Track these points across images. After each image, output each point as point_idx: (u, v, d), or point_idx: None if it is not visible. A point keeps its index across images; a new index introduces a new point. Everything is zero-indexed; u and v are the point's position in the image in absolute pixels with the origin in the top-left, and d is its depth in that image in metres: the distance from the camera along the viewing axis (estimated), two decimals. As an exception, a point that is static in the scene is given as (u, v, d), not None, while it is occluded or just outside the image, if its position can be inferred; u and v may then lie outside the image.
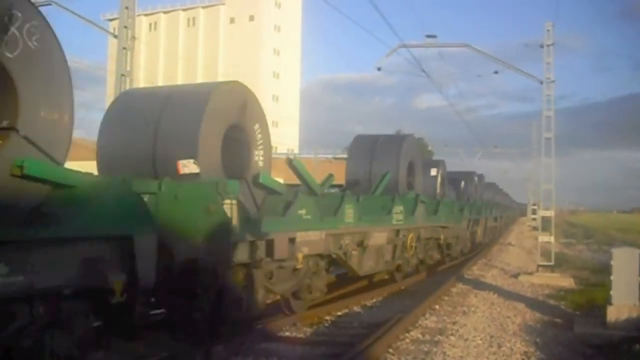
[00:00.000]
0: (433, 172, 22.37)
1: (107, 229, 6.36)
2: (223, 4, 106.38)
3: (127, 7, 18.31)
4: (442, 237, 19.56)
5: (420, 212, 16.94)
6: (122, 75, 18.27)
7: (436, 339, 9.88)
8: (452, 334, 10.23)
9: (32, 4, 5.92)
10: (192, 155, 9.11)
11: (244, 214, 8.94)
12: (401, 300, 14.15)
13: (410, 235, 16.10)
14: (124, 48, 18.25)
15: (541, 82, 20.18)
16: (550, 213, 21.08)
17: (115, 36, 18.93)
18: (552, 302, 14.63)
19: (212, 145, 9.36)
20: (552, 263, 19.59)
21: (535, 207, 43.36)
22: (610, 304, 10.78)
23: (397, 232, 15.20)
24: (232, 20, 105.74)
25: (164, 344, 8.62)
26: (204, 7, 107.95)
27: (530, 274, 19.32)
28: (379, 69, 24.46)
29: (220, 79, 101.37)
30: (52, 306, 5.92)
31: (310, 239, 10.77)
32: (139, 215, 6.85)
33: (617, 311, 10.66)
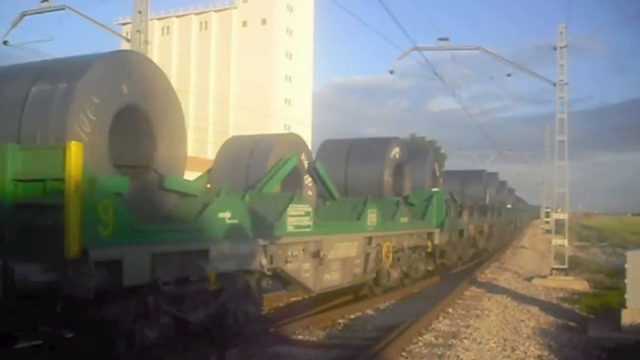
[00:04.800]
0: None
1: None
2: (235, 8, 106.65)
3: (140, 12, 18.47)
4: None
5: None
6: (136, 79, 18.36)
7: (450, 342, 9.86)
8: (465, 338, 10.20)
9: None
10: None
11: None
12: (414, 303, 14.12)
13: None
14: (137, 52, 18.35)
15: (554, 85, 20.10)
16: (564, 216, 20.97)
17: (129, 40, 19.07)
18: (566, 305, 14.55)
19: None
20: (565, 266, 19.46)
21: (549, 210, 43.16)
22: (625, 307, 10.73)
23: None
24: (244, 24, 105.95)
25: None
26: (216, 11, 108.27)
27: (544, 277, 19.21)
28: (391, 72, 24.35)
29: (232, 81, 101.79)
30: None
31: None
32: None
33: (632, 314, 10.60)
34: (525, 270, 22.75)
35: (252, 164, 11.74)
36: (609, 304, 13.42)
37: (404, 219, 15.23)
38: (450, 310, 13.01)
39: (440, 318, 12.04)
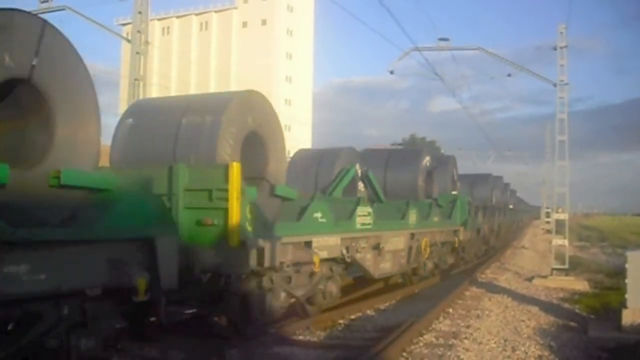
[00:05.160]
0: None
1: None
2: (235, 8, 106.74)
3: (140, 12, 18.48)
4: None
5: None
6: (136, 79, 18.43)
7: (450, 342, 9.86)
8: (466, 338, 10.20)
9: None
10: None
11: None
12: (415, 303, 14.11)
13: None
14: (138, 53, 18.40)
15: (555, 85, 20.10)
16: (564, 216, 20.98)
17: (129, 41, 19.10)
18: (566, 305, 14.55)
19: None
20: (566, 266, 19.46)
21: (549, 210, 43.18)
22: (625, 307, 10.72)
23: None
24: (244, 25, 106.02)
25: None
26: (216, 12, 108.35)
27: (545, 277, 19.21)
28: (391, 72, 24.42)
29: (232, 82, 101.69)
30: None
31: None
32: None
33: (632, 314, 10.60)
34: (525, 270, 22.76)
35: (320, 172, 14.42)
36: (610, 304, 13.40)
37: (436, 218, 17.64)
38: (451, 310, 13.01)
39: (441, 318, 12.04)
